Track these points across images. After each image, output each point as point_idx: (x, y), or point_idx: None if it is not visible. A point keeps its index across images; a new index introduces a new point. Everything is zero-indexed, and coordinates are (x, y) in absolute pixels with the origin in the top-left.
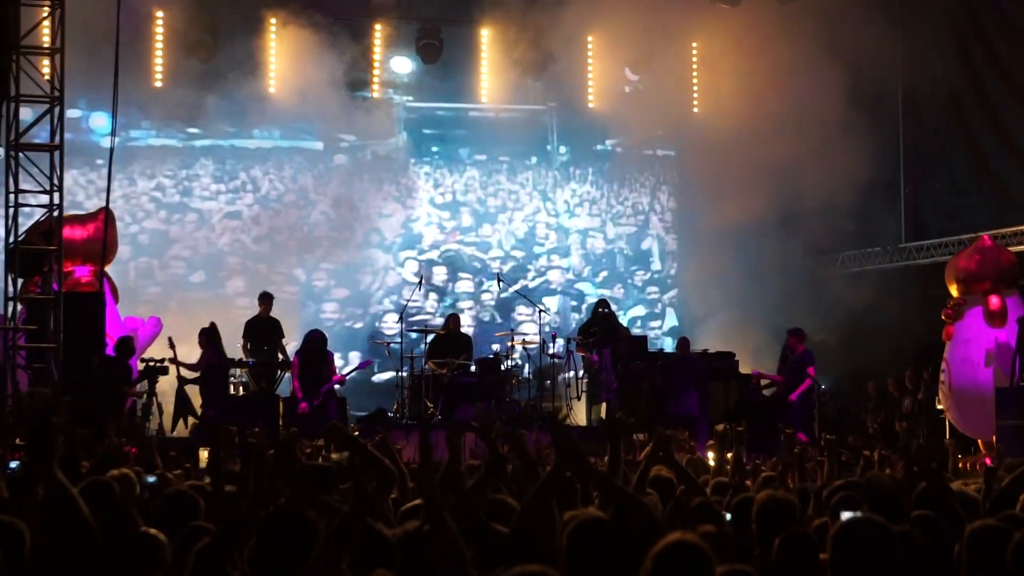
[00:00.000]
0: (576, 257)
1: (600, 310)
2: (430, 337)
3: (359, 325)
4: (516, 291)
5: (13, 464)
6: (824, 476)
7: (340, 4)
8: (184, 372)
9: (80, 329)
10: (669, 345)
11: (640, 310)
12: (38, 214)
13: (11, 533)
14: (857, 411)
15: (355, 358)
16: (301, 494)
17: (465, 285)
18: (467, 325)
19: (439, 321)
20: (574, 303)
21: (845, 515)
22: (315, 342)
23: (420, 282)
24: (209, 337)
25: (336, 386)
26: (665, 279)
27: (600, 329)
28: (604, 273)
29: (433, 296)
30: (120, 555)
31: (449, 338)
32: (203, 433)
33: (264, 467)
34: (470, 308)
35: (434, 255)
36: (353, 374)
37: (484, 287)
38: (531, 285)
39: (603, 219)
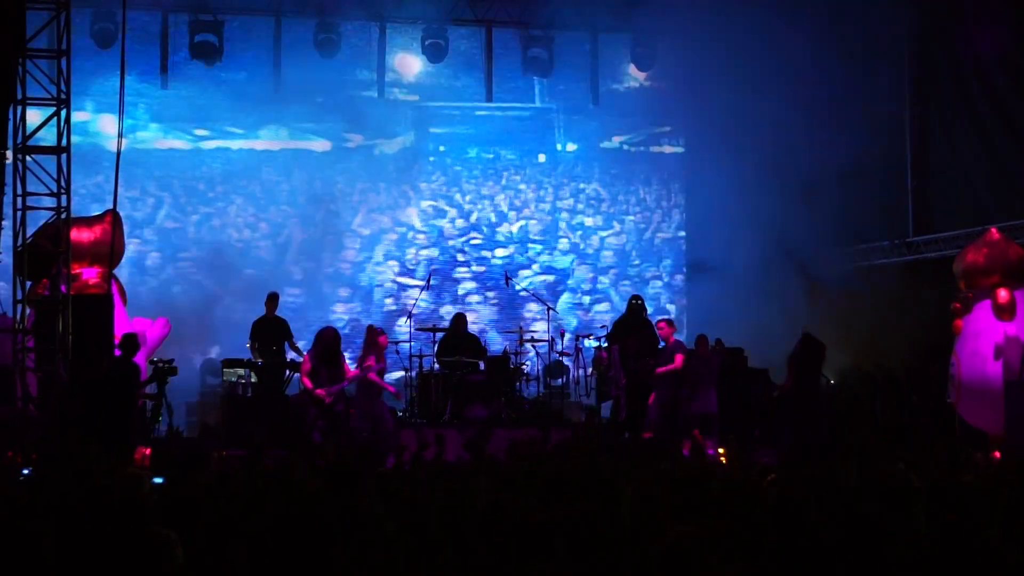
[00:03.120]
0: (584, 254)
1: (635, 302)
2: (438, 336)
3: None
4: (524, 289)
5: (26, 471)
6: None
7: (346, 5)
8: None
9: (88, 331)
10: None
11: (649, 307)
12: (45, 217)
13: (29, 537)
14: (865, 405)
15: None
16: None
17: (473, 284)
18: (474, 323)
19: (447, 321)
20: (584, 300)
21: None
22: (328, 340)
23: (428, 282)
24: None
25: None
26: (674, 275)
27: (626, 324)
28: (614, 271)
29: (441, 295)
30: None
31: (457, 338)
32: None
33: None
34: (479, 304)
35: (443, 254)
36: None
37: (491, 285)
38: (539, 282)
39: (612, 216)
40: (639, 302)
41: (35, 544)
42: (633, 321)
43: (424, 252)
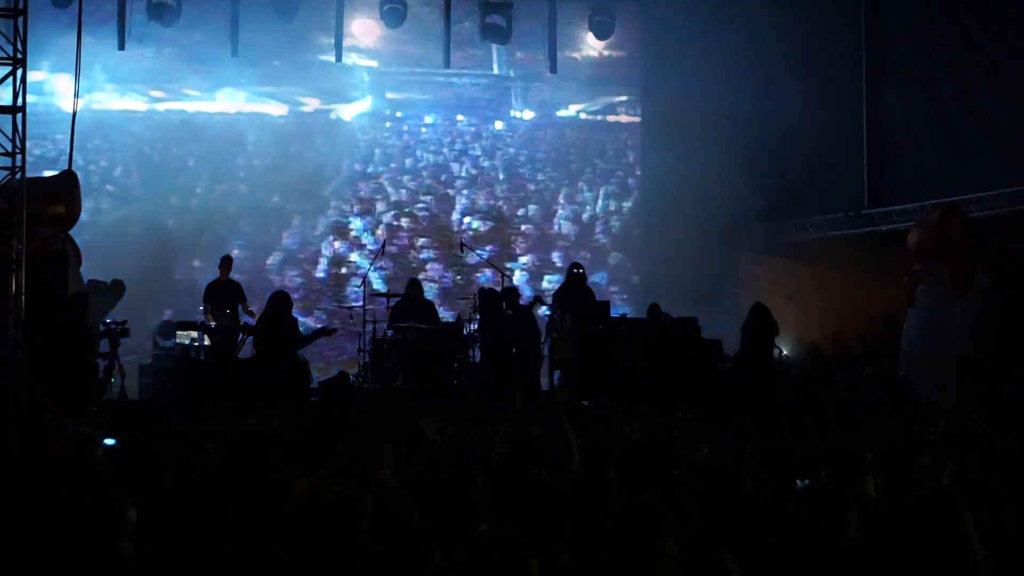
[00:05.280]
0: (540, 222)
1: (575, 271)
2: (393, 302)
3: (319, 289)
4: (479, 255)
5: None
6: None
7: None
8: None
9: (42, 291)
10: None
11: (603, 276)
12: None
13: None
14: (819, 377)
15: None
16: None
17: (429, 251)
18: (429, 291)
19: (401, 288)
20: (538, 268)
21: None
22: (279, 304)
23: (383, 247)
24: None
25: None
26: (626, 242)
27: (568, 291)
28: (569, 239)
29: (396, 261)
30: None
31: (410, 304)
32: None
33: None
34: (434, 271)
35: (398, 220)
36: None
37: (448, 252)
38: (494, 250)
39: (568, 185)
40: (580, 271)
41: None
42: (575, 288)
43: (380, 217)
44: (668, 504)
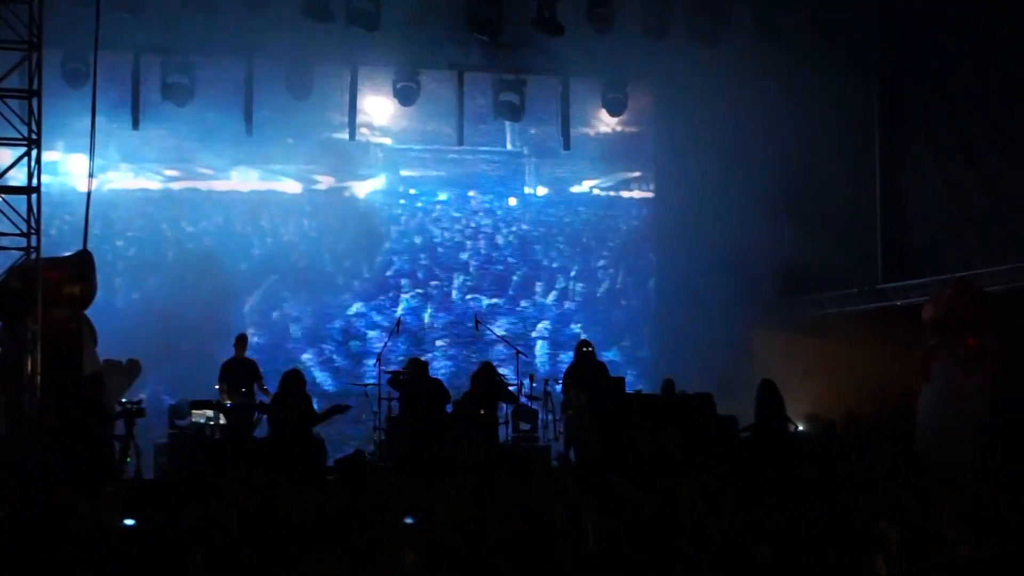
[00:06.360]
0: (555, 299)
1: (584, 349)
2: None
3: (343, 366)
4: (493, 332)
5: None
6: None
7: (319, 48)
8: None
9: (57, 371)
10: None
11: (616, 353)
12: (15, 257)
13: None
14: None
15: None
16: None
17: (443, 328)
18: (443, 368)
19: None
20: (553, 345)
21: None
22: (293, 382)
23: (397, 325)
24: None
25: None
26: (640, 318)
27: (578, 370)
28: (583, 317)
29: (410, 338)
30: None
31: (417, 385)
32: None
33: None
34: (448, 348)
35: (412, 297)
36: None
37: (461, 328)
38: (509, 326)
39: (582, 261)
40: (589, 348)
41: None
42: (586, 366)
43: (394, 294)
44: None
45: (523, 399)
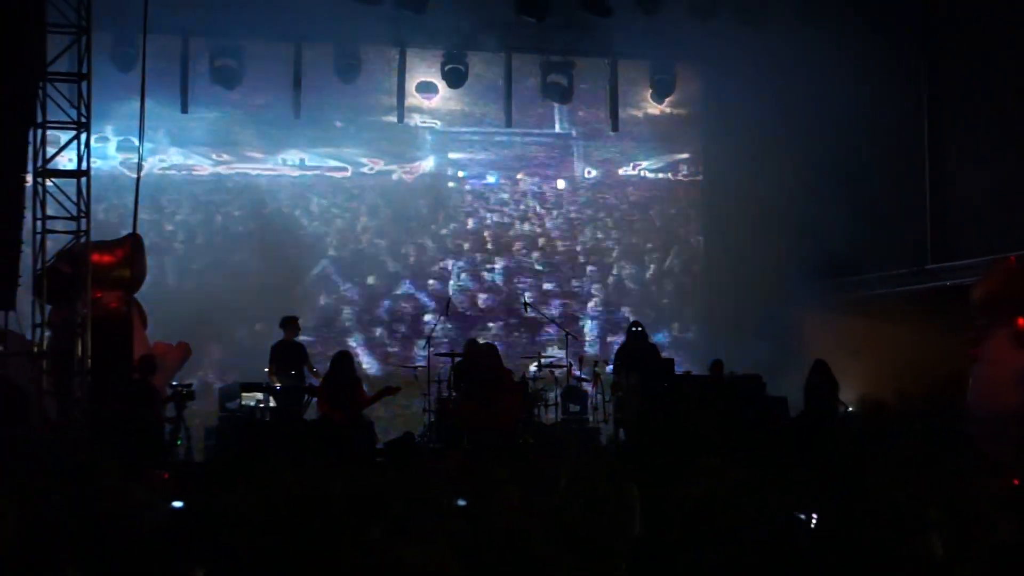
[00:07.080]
0: (604, 282)
1: (633, 329)
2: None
3: (392, 350)
4: (542, 313)
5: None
6: None
7: (366, 30)
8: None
9: (107, 354)
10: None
11: (666, 334)
12: (65, 241)
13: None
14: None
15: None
16: None
17: (493, 310)
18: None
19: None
20: (603, 326)
21: None
22: (342, 363)
23: (447, 307)
24: None
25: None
26: (689, 300)
27: (629, 351)
28: (633, 298)
29: (459, 320)
30: None
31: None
32: None
33: None
34: (498, 330)
35: (461, 279)
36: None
37: (510, 310)
38: (559, 308)
39: (631, 243)
40: (639, 328)
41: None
42: (636, 346)
43: (444, 276)
44: (730, 562)
45: (573, 380)
